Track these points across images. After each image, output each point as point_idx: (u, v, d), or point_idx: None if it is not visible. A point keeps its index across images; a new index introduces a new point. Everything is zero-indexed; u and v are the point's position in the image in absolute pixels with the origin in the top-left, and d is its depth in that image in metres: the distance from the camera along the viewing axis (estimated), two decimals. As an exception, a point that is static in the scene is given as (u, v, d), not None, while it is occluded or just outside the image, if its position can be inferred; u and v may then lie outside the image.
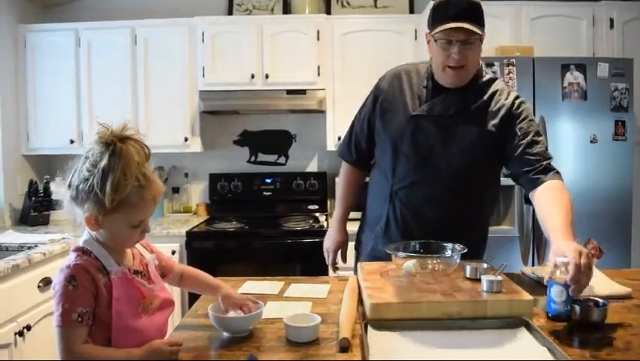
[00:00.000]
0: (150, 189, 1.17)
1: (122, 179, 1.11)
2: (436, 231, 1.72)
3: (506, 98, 1.74)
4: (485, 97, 1.74)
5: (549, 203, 1.57)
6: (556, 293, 1.25)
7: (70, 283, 1.10)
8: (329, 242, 2.14)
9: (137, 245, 1.31)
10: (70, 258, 1.17)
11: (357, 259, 2.04)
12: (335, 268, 2.15)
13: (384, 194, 1.84)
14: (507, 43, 3.13)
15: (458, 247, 1.60)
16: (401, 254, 1.58)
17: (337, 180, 2.22)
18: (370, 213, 1.98)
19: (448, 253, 1.63)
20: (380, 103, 1.84)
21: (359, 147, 1.97)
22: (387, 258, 1.65)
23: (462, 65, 1.65)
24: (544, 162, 1.66)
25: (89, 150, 1.16)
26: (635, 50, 3.13)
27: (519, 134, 1.69)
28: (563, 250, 1.31)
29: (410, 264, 1.54)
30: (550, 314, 1.25)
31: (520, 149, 1.68)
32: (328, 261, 2.13)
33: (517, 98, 1.75)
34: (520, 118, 1.72)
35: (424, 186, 1.76)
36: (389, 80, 1.86)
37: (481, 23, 1.62)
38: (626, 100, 2.88)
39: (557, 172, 1.66)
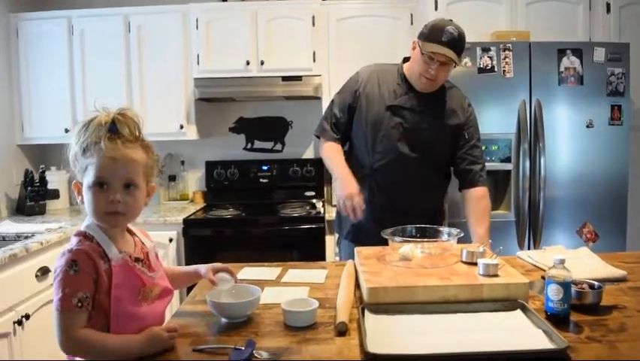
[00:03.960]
0: (110, 148, 1.14)
1: (82, 136, 1.16)
2: (409, 197, 2.07)
3: (468, 104, 2.13)
4: (449, 99, 2.09)
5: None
6: (553, 292, 1.24)
7: (72, 268, 1.10)
8: (349, 187, 1.91)
9: (138, 233, 1.31)
10: (72, 242, 1.16)
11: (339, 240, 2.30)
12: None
13: (364, 172, 2.08)
14: (503, 28, 3.12)
15: (454, 231, 1.61)
16: (398, 239, 1.59)
17: (323, 154, 2.17)
18: None
19: (445, 237, 1.64)
20: (360, 95, 2.12)
21: (338, 128, 2.18)
22: (371, 228, 1.89)
23: (434, 79, 1.98)
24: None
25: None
26: (631, 34, 3.12)
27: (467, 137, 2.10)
28: None
29: (407, 248, 1.55)
30: (548, 313, 1.25)
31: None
32: (353, 204, 1.86)
33: (470, 105, 2.14)
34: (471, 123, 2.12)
35: (399, 163, 2.05)
36: (368, 75, 2.14)
37: (460, 53, 1.94)
38: (622, 85, 2.88)
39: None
